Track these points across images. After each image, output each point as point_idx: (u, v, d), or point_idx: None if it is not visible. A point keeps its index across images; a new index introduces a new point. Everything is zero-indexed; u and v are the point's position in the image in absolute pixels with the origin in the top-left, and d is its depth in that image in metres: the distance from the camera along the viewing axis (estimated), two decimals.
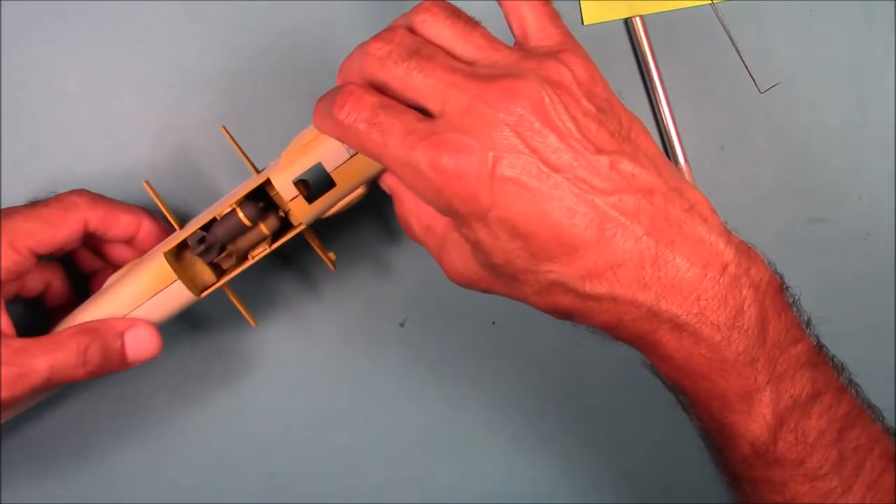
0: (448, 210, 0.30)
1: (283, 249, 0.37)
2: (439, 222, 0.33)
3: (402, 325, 0.45)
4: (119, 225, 0.37)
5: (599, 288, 0.29)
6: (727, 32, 0.44)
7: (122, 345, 0.35)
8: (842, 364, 0.33)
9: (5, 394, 0.33)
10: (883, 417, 0.34)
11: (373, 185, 0.37)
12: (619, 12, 0.44)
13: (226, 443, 0.44)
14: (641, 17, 0.44)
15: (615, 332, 0.31)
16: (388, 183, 0.35)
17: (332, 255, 0.39)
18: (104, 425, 0.44)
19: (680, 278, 0.29)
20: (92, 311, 0.36)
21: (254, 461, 0.45)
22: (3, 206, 0.42)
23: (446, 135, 0.29)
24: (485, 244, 0.30)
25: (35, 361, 0.33)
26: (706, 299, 0.29)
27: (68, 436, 0.44)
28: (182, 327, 0.43)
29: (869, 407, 0.33)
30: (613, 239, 0.29)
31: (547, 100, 0.29)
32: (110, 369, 0.35)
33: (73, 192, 0.37)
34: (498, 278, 0.31)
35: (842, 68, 0.45)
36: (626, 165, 0.29)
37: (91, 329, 0.35)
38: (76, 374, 0.34)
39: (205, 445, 0.44)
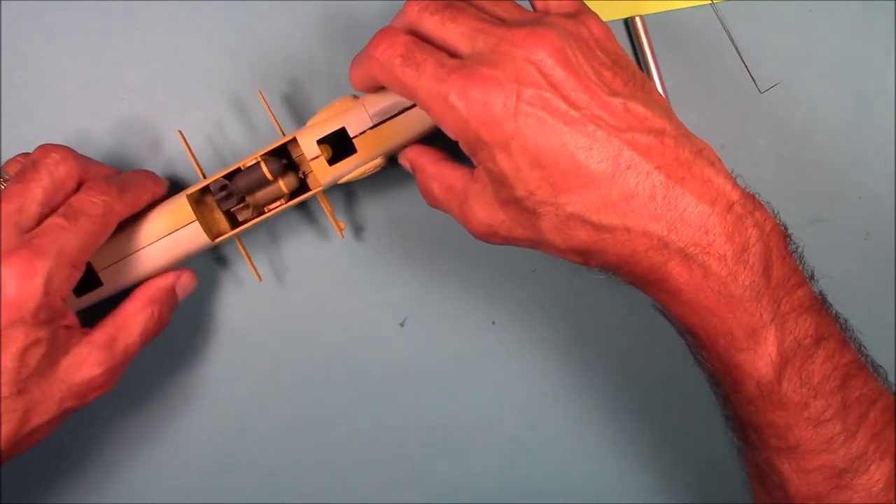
0: (475, 141, 0.32)
1: (287, 250, 0.37)
2: (459, 180, 0.36)
3: (402, 325, 0.45)
4: (139, 207, 0.39)
5: (614, 219, 0.31)
6: (727, 32, 0.44)
7: (176, 294, 0.40)
8: (846, 320, 0.34)
9: (110, 387, 0.37)
10: (886, 375, 0.34)
11: (390, 160, 0.39)
12: (619, 12, 0.44)
13: (226, 443, 0.44)
14: (641, 17, 0.44)
15: (627, 266, 0.32)
16: (409, 156, 0.38)
17: (342, 223, 0.41)
18: (104, 424, 0.44)
19: (689, 212, 0.31)
20: (109, 247, 0.38)
21: (254, 461, 0.45)
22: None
23: (475, 68, 0.31)
24: (508, 176, 0.32)
25: (123, 346, 0.37)
26: (714, 234, 0.31)
27: (68, 435, 0.44)
28: (183, 332, 0.44)
29: (873, 366, 0.34)
30: (626, 172, 0.31)
31: (567, 46, 0.31)
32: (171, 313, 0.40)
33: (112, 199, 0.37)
34: (518, 219, 0.33)
35: (842, 68, 0.45)
36: (639, 108, 0.31)
37: (152, 297, 0.39)
38: (156, 334, 0.39)
39: (205, 445, 0.44)
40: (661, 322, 0.40)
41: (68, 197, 0.36)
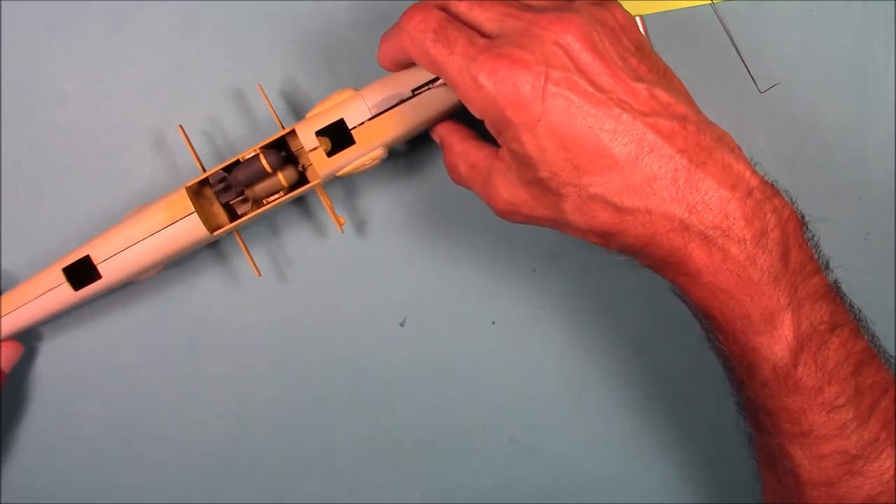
0: (500, 120, 0.32)
1: (290, 251, 0.37)
2: (484, 160, 0.36)
3: (402, 325, 0.45)
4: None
5: (636, 201, 0.32)
6: (727, 32, 0.44)
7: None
8: (859, 310, 0.35)
9: None
10: None
11: (391, 153, 0.39)
12: None
13: (226, 443, 0.44)
14: (641, 17, 0.44)
15: (647, 249, 0.33)
16: (440, 132, 0.39)
17: (342, 218, 0.41)
18: (103, 424, 0.44)
19: (710, 196, 0.31)
20: (108, 240, 0.39)
21: (254, 461, 0.45)
22: (2, 206, 0.42)
23: (505, 49, 0.31)
24: (532, 157, 0.32)
25: None
26: (733, 218, 0.31)
27: (68, 436, 0.44)
28: (181, 330, 0.44)
29: (885, 356, 0.34)
30: (649, 155, 0.31)
31: (594, 32, 0.32)
32: None
33: None
34: (541, 199, 0.33)
35: (842, 68, 0.45)
36: (663, 94, 0.32)
37: None
38: None
39: (205, 445, 0.44)
40: (662, 322, 0.40)
41: None
